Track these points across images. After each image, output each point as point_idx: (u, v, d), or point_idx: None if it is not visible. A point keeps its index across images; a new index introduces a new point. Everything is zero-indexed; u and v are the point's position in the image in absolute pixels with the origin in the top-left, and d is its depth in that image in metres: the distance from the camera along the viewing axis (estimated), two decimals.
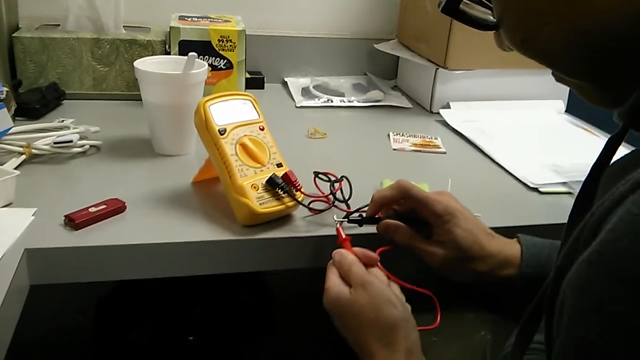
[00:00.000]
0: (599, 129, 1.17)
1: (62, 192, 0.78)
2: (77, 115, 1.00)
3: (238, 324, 1.09)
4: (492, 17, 0.50)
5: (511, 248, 0.70)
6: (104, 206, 0.71)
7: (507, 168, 0.96)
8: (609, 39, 0.43)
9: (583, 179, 0.48)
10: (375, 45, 1.37)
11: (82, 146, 0.88)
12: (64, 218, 0.69)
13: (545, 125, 1.19)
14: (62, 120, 0.96)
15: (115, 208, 0.72)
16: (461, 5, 0.50)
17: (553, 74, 0.51)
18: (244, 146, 0.74)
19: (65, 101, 1.10)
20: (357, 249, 0.66)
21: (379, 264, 0.66)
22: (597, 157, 0.50)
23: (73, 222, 0.68)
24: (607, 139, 0.51)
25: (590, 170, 0.51)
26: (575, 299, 0.35)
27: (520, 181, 0.92)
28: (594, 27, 0.43)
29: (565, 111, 1.25)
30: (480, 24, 0.51)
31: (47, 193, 0.77)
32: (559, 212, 0.84)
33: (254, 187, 0.71)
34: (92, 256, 0.66)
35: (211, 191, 0.80)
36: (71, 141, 0.85)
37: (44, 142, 0.85)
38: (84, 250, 0.66)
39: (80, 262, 0.66)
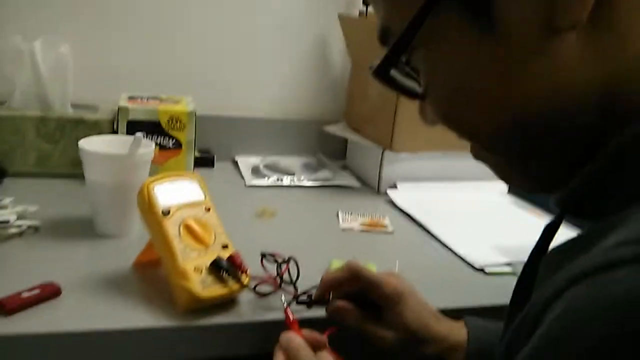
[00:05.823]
0: (541, 208, 1.20)
1: None
2: (18, 194, 0.97)
3: None
4: (418, 87, 0.49)
5: (458, 332, 0.69)
6: (37, 290, 0.68)
7: (453, 249, 0.97)
8: (540, 125, 0.43)
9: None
10: (324, 127, 1.40)
11: (19, 227, 0.84)
12: None
13: (490, 206, 1.22)
14: (1, 200, 0.92)
15: (49, 292, 0.68)
16: (392, 72, 0.47)
17: (471, 148, 0.50)
18: (188, 227, 0.73)
19: (7, 179, 1.06)
20: (305, 331, 0.64)
21: (327, 346, 0.64)
22: (535, 242, 0.51)
23: (3, 307, 0.64)
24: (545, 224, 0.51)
25: (529, 256, 0.51)
26: None
27: (466, 262, 0.93)
28: (526, 112, 0.42)
29: (508, 192, 1.29)
30: (408, 92, 0.49)
31: None
32: (505, 292, 0.84)
33: (197, 270, 0.69)
34: (23, 344, 0.62)
35: (153, 274, 0.78)
36: (8, 221, 0.82)
37: None
38: (15, 338, 0.62)
39: (10, 350, 0.62)
